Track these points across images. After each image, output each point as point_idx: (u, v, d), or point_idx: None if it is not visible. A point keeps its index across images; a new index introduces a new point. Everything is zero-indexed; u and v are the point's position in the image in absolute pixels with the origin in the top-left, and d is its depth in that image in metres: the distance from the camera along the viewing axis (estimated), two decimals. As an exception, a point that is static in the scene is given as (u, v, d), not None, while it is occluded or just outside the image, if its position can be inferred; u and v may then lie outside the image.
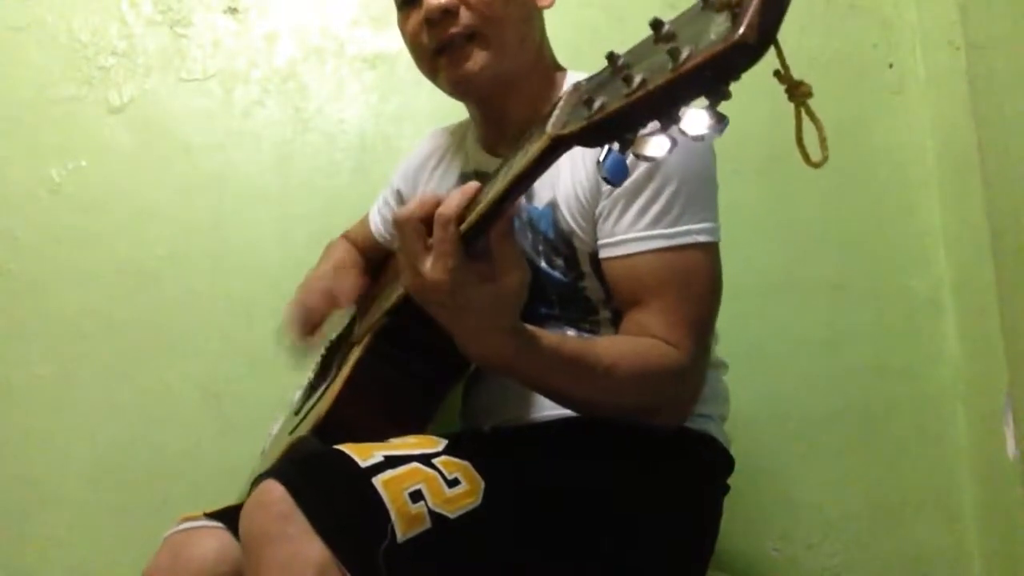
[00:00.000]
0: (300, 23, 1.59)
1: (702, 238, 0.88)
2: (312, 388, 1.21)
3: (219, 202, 1.55)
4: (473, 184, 0.70)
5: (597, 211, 0.91)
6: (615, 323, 0.96)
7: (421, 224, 0.70)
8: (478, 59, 0.94)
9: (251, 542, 0.73)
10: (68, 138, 1.54)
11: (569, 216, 0.94)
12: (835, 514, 1.50)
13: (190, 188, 1.55)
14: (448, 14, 0.92)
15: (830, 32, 1.58)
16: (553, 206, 0.95)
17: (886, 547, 1.49)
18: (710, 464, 1.02)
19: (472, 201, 0.69)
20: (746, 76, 0.47)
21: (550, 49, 1.04)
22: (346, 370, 0.91)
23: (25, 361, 1.49)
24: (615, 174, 0.54)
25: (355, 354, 0.93)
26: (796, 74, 0.52)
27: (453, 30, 0.93)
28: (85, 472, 1.47)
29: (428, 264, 0.69)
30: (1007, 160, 1.28)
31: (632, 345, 0.86)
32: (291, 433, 1.04)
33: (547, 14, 1.02)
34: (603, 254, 0.91)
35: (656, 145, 0.50)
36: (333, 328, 1.28)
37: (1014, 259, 1.27)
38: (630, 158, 0.52)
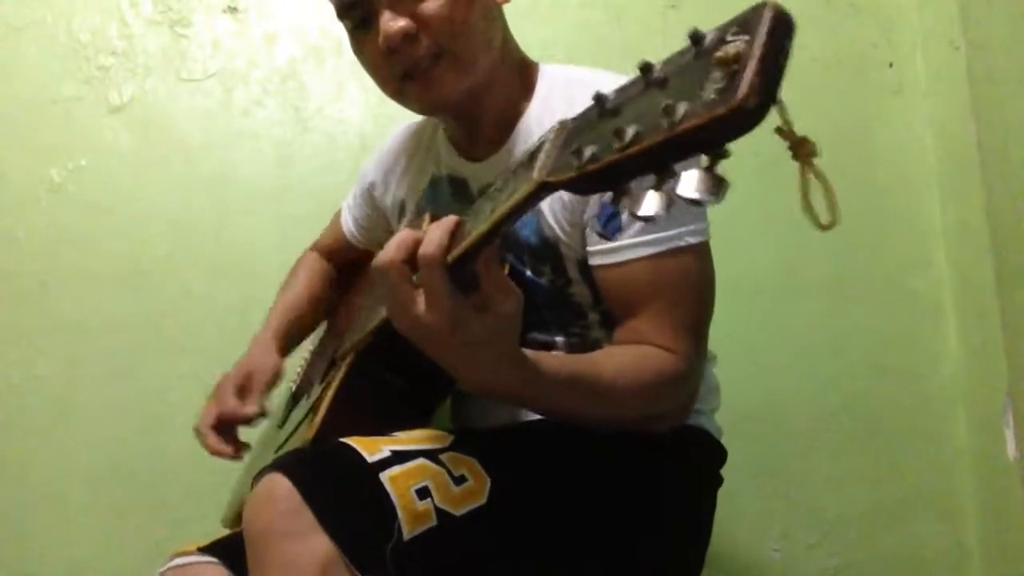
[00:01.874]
0: (300, 23, 1.59)
1: (693, 239, 0.87)
2: (294, 399, 1.19)
3: (219, 202, 1.55)
4: (451, 218, 0.68)
5: (585, 217, 0.90)
6: (604, 325, 0.95)
7: (405, 266, 0.68)
8: (449, 79, 0.90)
9: (256, 537, 0.72)
10: (68, 138, 1.54)
11: (554, 222, 0.92)
12: (835, 514, 1.50)
13: (190, 188, 1.55)
14: (408, 38, 0.87)
15: (830, 32, 1.58)
16: (536, 213, 0.92)
17: (886, 547, 1.49)
18: (704, 457, 1.02)
19: (453, 236, 0.66)
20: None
21: (515, 43, 1.00)
22: (331, 393, 0.89)
23: (26, 361, 1.49)
24: (606, 226, 0.52)
25: (339, 375, 0.91)
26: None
27: (417, 54, 0.88)
28: (85, 472, 1.47)
29: (422, 307, 0.67)
30: (1007, 160, 1.28)
31: (631, 357, 0.85)
32: (276, 452, 1.02)
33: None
34: (594, 261, 0.90)
35: (651, 203, 0.47)
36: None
37: (1014, 259, 1.27)
38: (625, 215, 0.50)
